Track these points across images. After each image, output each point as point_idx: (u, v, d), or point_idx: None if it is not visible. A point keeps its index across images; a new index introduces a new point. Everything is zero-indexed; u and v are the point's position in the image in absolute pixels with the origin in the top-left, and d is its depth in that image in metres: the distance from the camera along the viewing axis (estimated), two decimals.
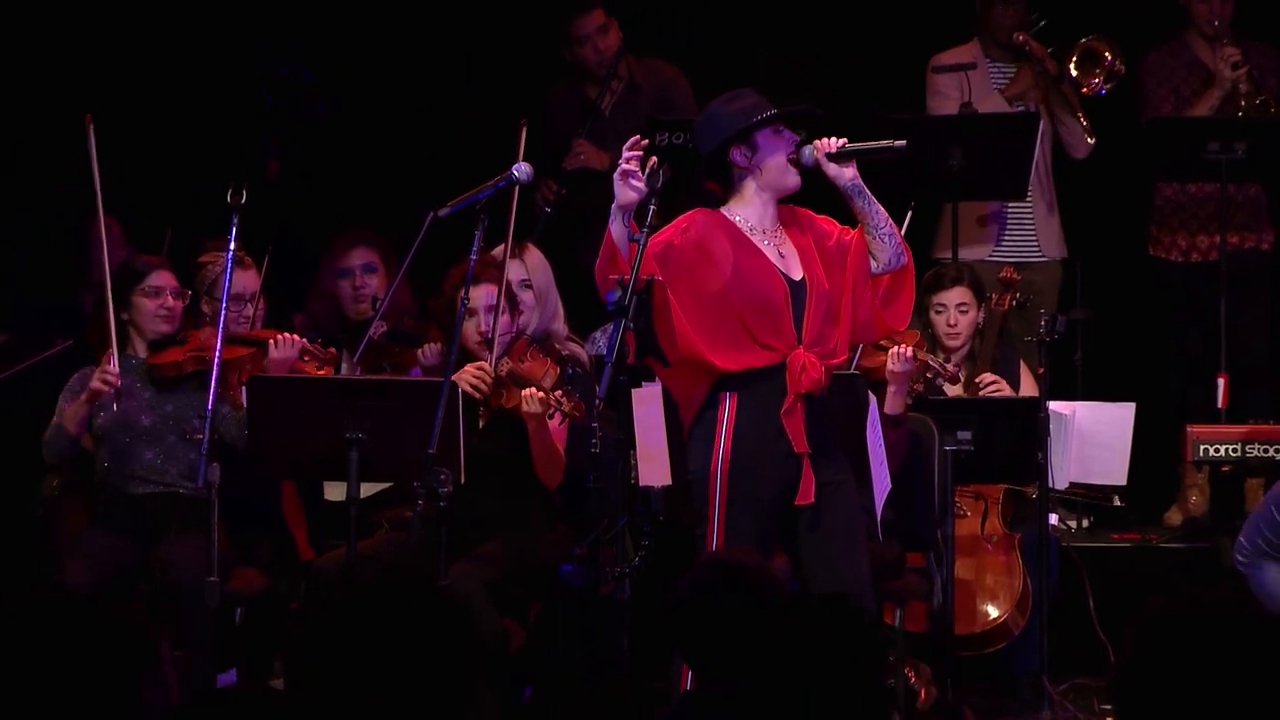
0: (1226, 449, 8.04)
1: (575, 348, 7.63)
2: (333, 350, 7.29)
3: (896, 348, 7.13)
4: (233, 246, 6.88)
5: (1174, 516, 8.95)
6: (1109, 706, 7.50)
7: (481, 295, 7.07)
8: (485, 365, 6.97)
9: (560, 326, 7.60)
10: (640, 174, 5.90)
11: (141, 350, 7.21)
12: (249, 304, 7.56)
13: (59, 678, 3.35)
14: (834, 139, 6.09)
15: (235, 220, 6.82)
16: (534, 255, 7.59)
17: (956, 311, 7.88)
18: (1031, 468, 7.49)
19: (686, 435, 6.14)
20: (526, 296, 7.39)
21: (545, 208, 8.87)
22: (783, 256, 6.11)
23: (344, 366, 7.50)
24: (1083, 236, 9.25)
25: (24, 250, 8.72)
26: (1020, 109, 9.00)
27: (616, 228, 5.92)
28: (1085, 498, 8.72)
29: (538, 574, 6.89)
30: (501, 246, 7.52)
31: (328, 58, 9.32)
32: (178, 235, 8.04)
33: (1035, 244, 9.13)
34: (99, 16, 9.11)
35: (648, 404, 6.58)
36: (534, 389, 6.82)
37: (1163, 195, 9.11)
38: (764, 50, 9.48)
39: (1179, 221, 9.08)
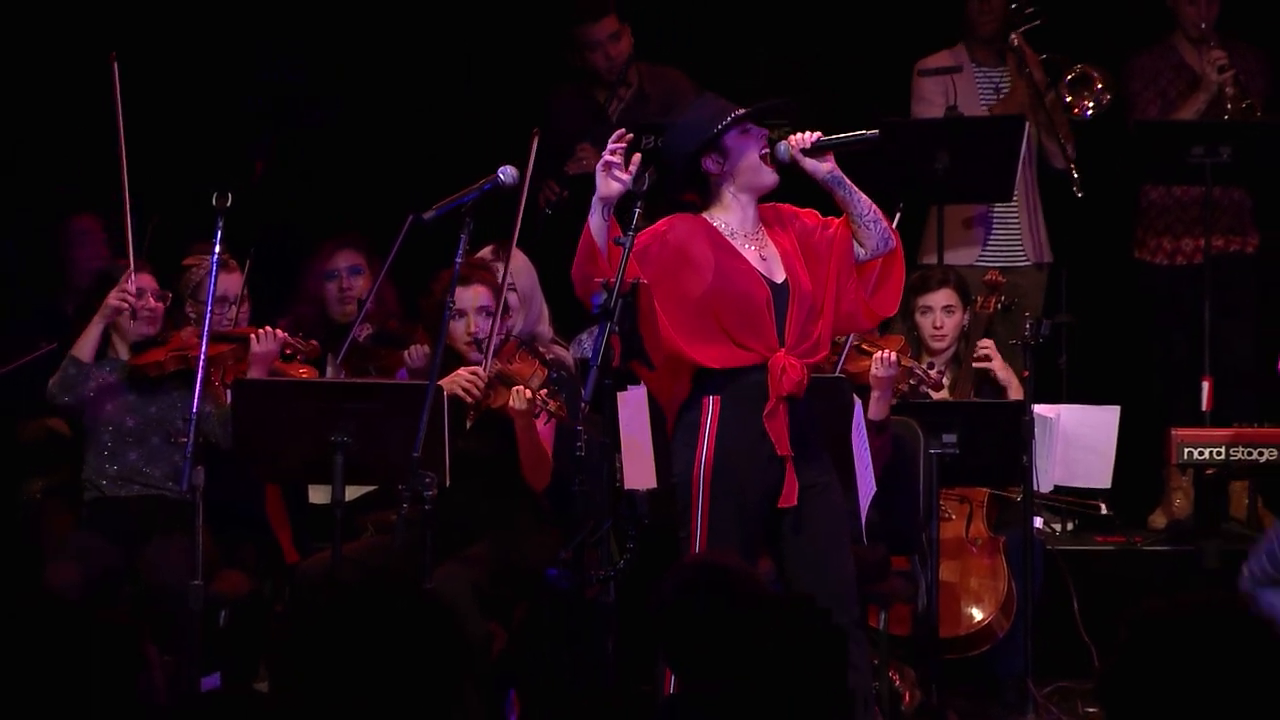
0: (1211, 452, 8.04)
1: (560, 351, 7.62)
2: (314, 342, 7.27)
3: (880, 353, 7.13)
4: (218, 250, 6.86)
5: (1158, 519, 8.96)
6: (1093, 709, 7.50)
7: (470, 297, 7.06)
8: (479, 370, 6.96)
9: (545, 329, 7.59)
10: (624, 167, 5.88)
11: (124, 353, 7.19)
12: (233, 306, 7.54)
13: (54, 682, 3.35)
14: (808, 134, 6.07)
15: (220, 224, 6.80)
16: (518, 258, 7.56)
17: (942, 314, 7.89)
18: (1016, 471, 7.49)
19: (670, 438, 6.13)
20: (511, 299, 7.38)
21: (546, 209, 8.85)
22: (764, 260, 6.08)
23: (329, 369, 7.49)
24: (1068, 240, 9.26)
25: (6, 253, 8.69)
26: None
27: (595, 220, 5.87)
28: (1071, 505, 8.72)
29: (525, 576, 6.88)
30: (488, 249, 7.52)
31: (327, 58, 9.31)
32: (160, 231, 7.99)
33: (1021, 248, 9.13)
34: (98, 16, 9.09)
35: (633, 407, 6.55)
36: (522, 387, 6.81)
37: (1148, 198, 9.12)
38: (764, 50, 9.48)
39: (1164, 225, 9.08)
